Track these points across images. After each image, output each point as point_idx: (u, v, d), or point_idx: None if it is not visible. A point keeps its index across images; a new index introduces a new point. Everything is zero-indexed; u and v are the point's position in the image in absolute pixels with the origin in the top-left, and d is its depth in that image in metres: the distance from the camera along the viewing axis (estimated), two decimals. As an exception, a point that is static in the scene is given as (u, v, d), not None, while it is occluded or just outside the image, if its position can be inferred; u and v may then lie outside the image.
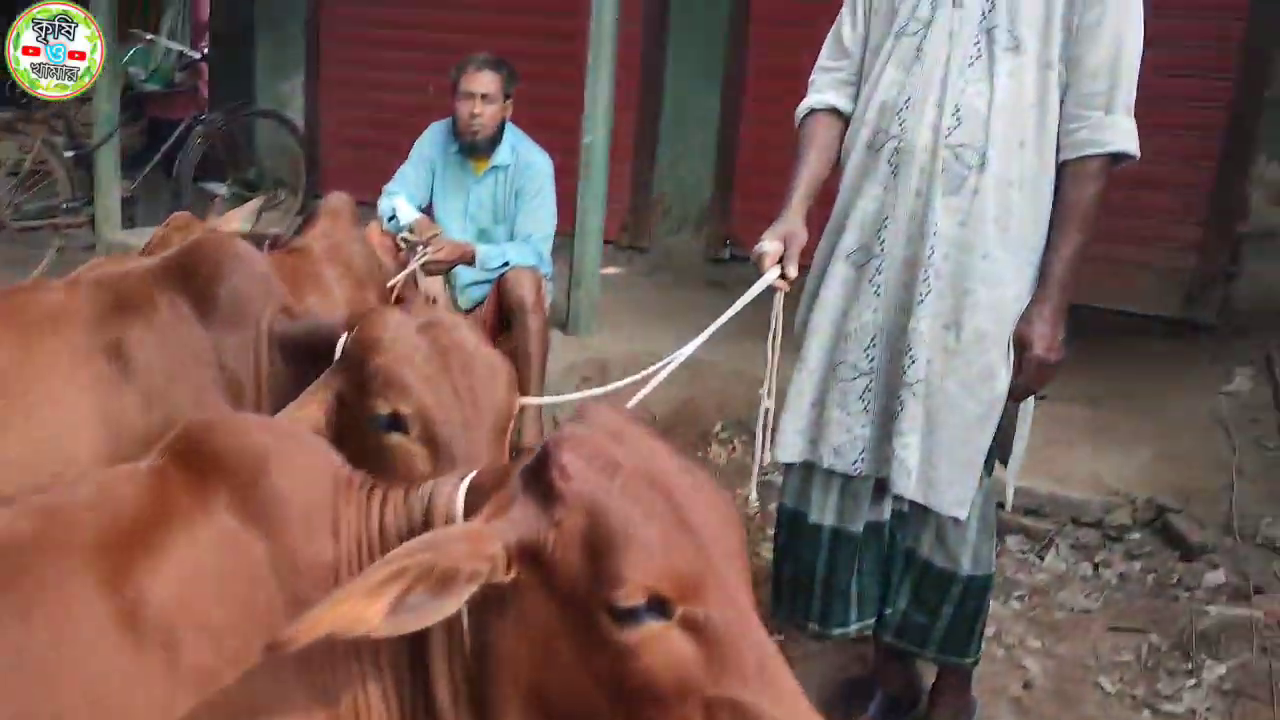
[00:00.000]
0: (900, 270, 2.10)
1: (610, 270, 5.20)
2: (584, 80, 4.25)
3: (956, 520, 2.14)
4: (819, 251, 2.25)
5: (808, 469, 2.29)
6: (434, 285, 3.88)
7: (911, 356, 2.08)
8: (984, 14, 2.00)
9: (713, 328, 2.13)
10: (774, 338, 2.21)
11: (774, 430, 2.25)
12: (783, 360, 2.16)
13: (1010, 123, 1.99)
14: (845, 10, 2.26)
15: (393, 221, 3.81)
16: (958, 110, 2.01)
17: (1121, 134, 1.99)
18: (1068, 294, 2.03)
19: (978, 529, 2.19)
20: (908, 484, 2.11)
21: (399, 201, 3.85)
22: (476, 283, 3.93)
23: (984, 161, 2.00)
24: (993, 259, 2.02)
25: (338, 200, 3.01)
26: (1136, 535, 3.13)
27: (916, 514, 2.19)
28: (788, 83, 5.16)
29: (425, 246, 3.61)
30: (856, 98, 2.22)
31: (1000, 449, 2.18)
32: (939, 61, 2.03)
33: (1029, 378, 2.05)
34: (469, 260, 3.74)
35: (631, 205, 5.73)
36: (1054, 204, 2.04)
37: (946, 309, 2.05)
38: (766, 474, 3.00)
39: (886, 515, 2.24)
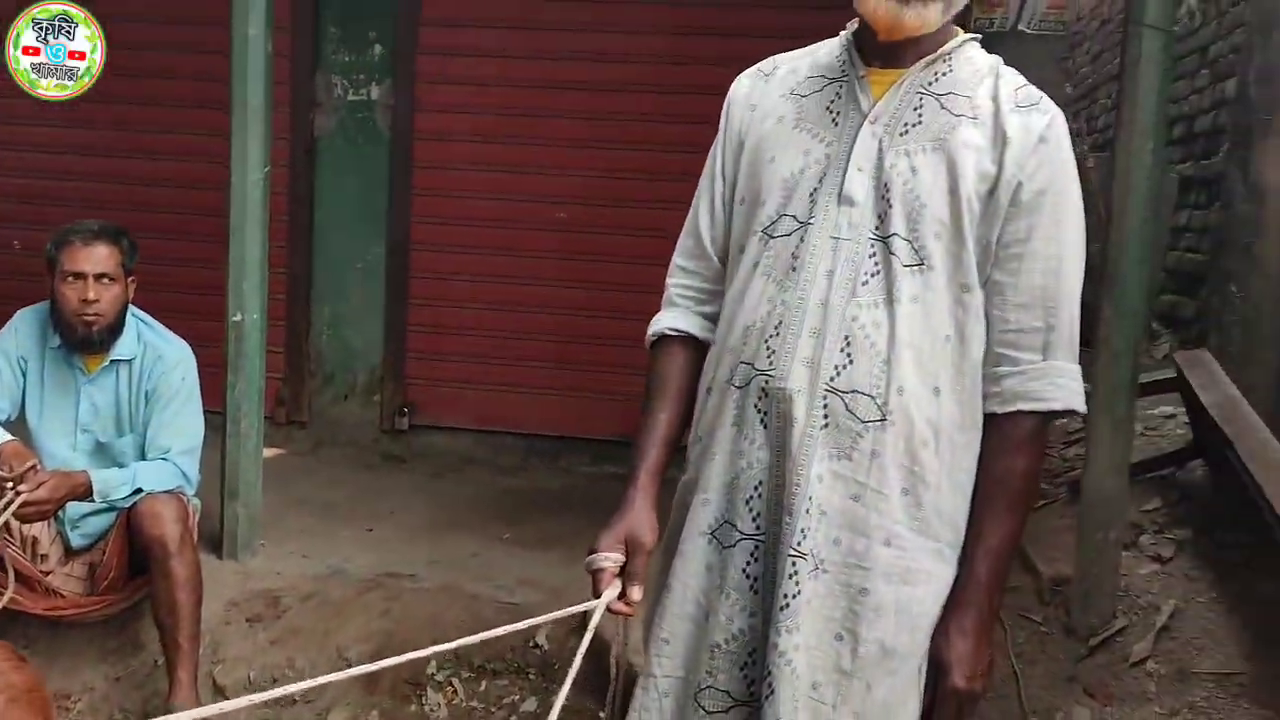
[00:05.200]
0: (776, 559, 1.53)
1: (265, 453, 4.33)
2: (226, 238, 3.43)
3: None
4: (674, 515, 1.65)
5: None
6: (35, 529, 2.90)
7: (770, 686, 1.48)
8: (880, 217, 1.49)
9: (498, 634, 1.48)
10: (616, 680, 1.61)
11: None
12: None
13: (919, 362, 1.47)
14: (702, 191, 1.68)
15: (-36, 450, 2.80)
16: (847, 344, 1.47)
17: (1064, 387, 1.50)
18: (997, 596, 1.51)
19: None
20: None
21: (-25, 420, 2.86)
22: (95, 513, 2.99)
23: (885, 414, 1.47)
24: (901, 545, 1.48)
25: None
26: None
27: None
28: (454, 231, 4.81)
29: (17, 485, 2.65)
30: (720, 314, 1.64)
31: None
32: (818, 276, 1.50)
33: (947, 715, 1.50)
34: (83, 494, 2.81)
35: (285, 373, 4.89)
36: (978, 474, 1.51)
37: (839, 614, 1.49)
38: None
39: None
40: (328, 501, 4.17)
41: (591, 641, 3.18)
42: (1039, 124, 1.49)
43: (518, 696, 3.07)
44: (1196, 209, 4.89)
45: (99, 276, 2.92)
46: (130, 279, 3.02)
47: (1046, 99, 1.53)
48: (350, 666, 3.07)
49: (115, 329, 2.98)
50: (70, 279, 2.92)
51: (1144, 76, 2.83)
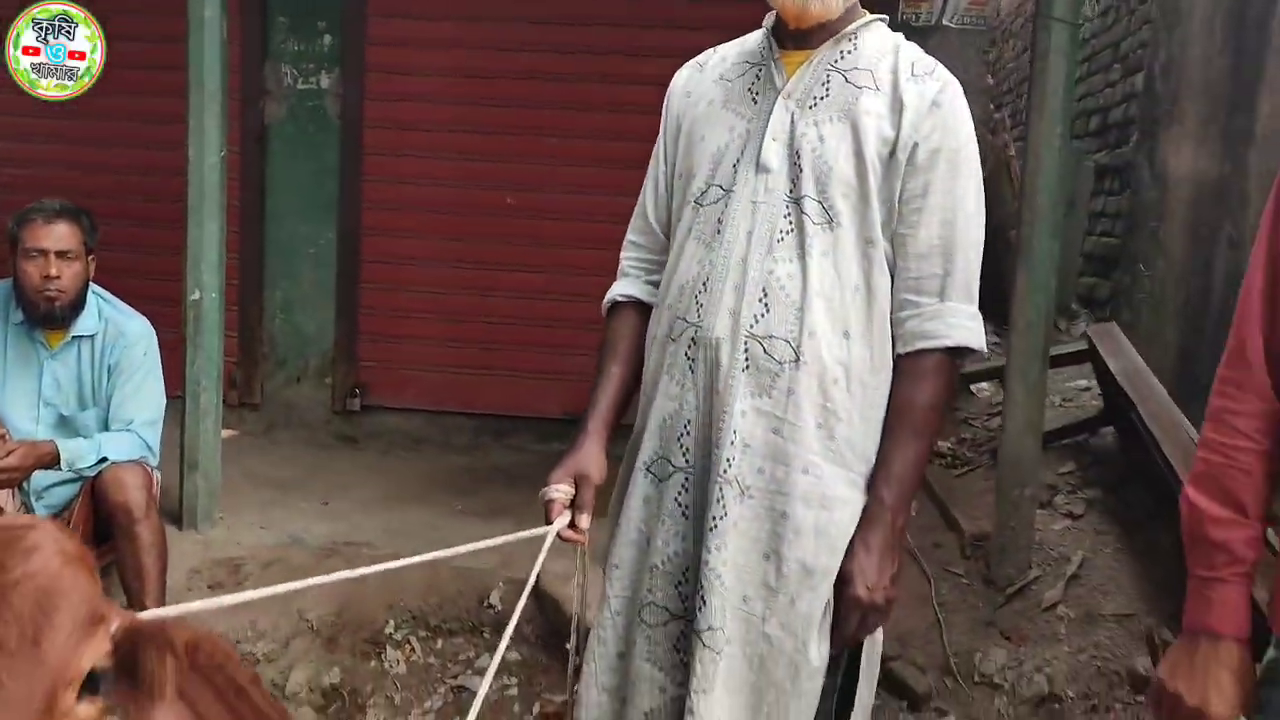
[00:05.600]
0: (705, 488, 1.71)
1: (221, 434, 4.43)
2: (184, 221, 3.53)
3: None
4: (625, 458, 1.83)
5: None
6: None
7: (702, 597, 1.66)
8: (793, 182, 1.66)
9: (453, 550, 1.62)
10: (580, 589, 1.77)
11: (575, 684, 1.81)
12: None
13: (829, 309, 1.64)
14: (649, 174, 1.87)
15: (-68, 420, 2.89)
16: (764, 295, 1.65)
17: (958, 325, 1.66)
18: (901, 516, 1.68)
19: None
20: None
21: (-59, 392, 2.94)
22: (60, 483, 3.08)
23: (798, 356, 1.65)
24: (817, 474, 1.65)
25: None
26: (862, 690, 2.98)
27: None
28: (404, 216, 4.93)
29: (-13, 452, 2.75)
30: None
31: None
32: (739, 236, 1.68)
33: (849, 624, 1.66)
34: (50, 463, 2.91)
35: (238, 356, 4.98)
36: (887, 406, 1.69)
37: (764, 535, 1.66)
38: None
39: None
40: (283, 478, 4.28)
41: (546, 604, 3.33)
42: (932, 90, 1.67)
43: (473, 653, 3.22)
44: (1111, 195, 5.17)
45: (60, 253, 3.01)
46: (90, 257, 3.11)
47: (941, 68, 1.72)
48: (312, 629, 3.22)
49: (76, 305, 3.07)
50: (32, 255, 3.00)
51: (1053, 67, 3.06)
